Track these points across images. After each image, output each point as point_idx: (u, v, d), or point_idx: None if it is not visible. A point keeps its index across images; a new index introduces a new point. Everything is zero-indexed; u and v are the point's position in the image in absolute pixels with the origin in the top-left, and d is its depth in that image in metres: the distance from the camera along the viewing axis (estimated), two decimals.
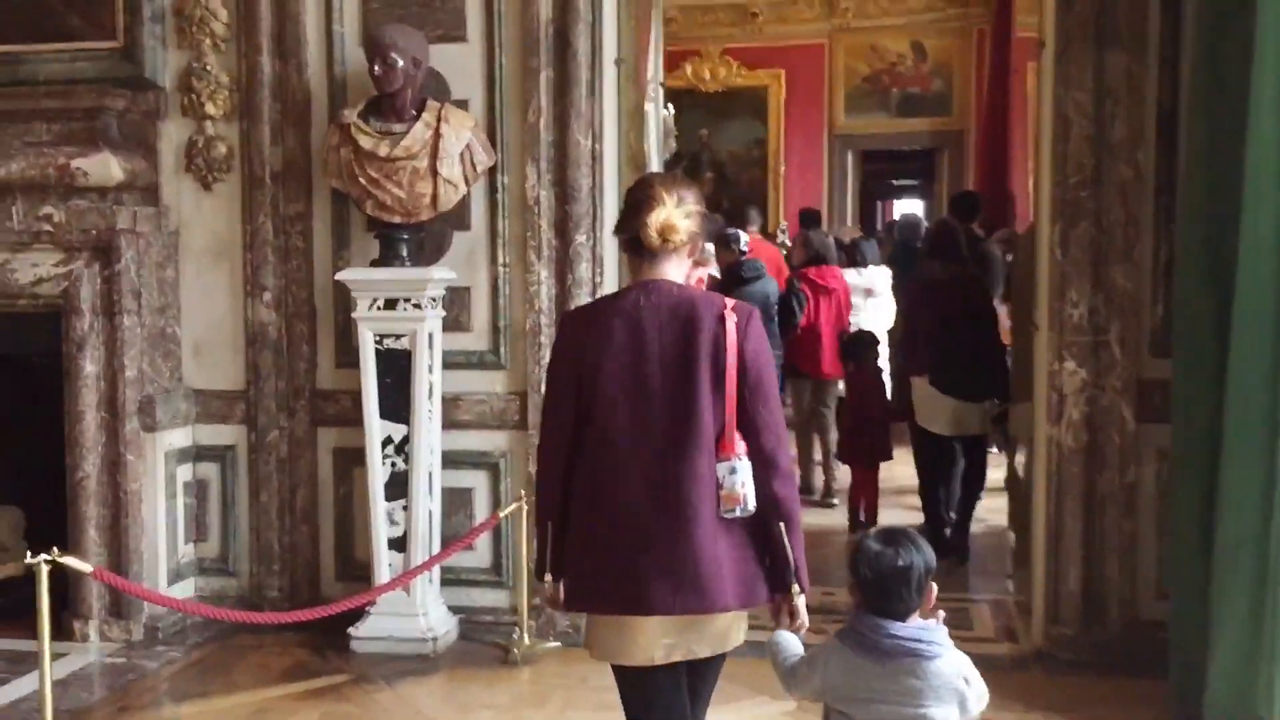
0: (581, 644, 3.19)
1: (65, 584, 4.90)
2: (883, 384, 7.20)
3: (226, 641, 5.14)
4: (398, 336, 4.91)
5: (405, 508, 4.94)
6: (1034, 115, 5.58)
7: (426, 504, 4.97)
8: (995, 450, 7.10)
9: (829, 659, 2.68)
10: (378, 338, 4.93)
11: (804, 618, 2.88)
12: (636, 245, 2.91)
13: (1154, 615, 4.60)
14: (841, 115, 12.79)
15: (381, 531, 4.96)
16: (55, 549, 3.54)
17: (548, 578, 2.97)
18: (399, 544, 4.95)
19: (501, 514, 4.91)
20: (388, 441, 4.95)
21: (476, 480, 5.22)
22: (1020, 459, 5.75)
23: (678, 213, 2.86)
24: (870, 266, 8.69)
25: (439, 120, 4.86)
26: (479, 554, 5.20)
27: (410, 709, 4.44)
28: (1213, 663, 3.78)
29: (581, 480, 2.88)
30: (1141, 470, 4.69)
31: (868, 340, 7.16)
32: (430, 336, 4.94)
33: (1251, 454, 3.66)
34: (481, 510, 5.19)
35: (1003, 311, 6.74)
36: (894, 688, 2.58)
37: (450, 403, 5.10)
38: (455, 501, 5.19)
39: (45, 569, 3.49)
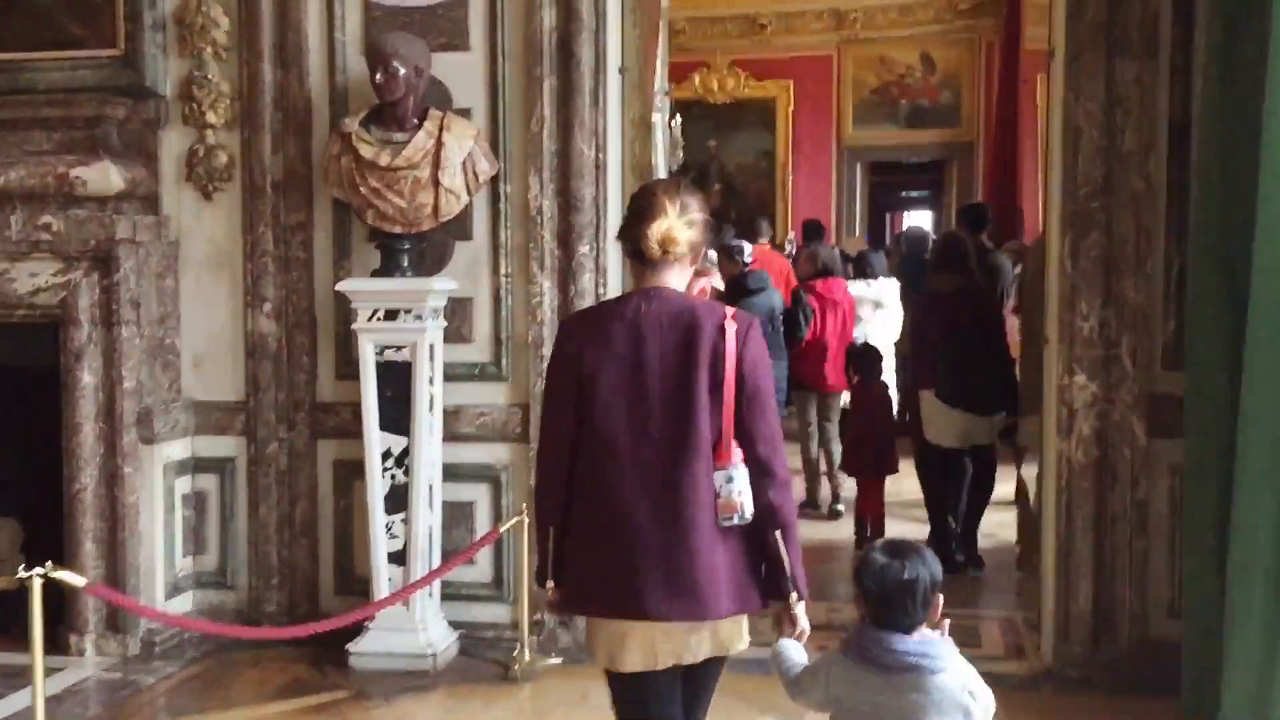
0: (583, 661, 3.14)
1: (61, 597, 4.84)
2: (888, 397, 7.20)
3: (224, 656, 5.08)
4: (398, 348, 4.87)
5: (405, 521, 4.88)
6: (1043, 125, 5.53)
7: (427, 517, 4.91)
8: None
9: (831, 671, 2.66)
10: (378, 349, 4.88)
11: (804, 625, 2.87)
12: (639, 253, 2.90)
13: (1165, 633, 4.53)
14: (850, 126, 12.80)
15: (381, 545, 4.90)
16: (50, 563, 3.50)
17: (549, 584, 2.95)
18: (399, 558, 4.89)
19: (502, 528, 4.85)
20: (388, 454, 4.89)
21: (477, 493, 5.16)
22: (1027, 472, 5.68)
23: (680, 222, 2.85)
24: (879, 278, 8.67)
25: (441, 129, 4.82)
26: (480, 568, 5.14)
27: None
28: (1226, 683, 3.72)
29: (580, 484, 2.87)
30: (1153, 486, 4.63)
31: (873, 354, 7.15)
32: (431, 348, 4.90)
33: (1266, 471, 3.60)
34: (482, 524, 5.13)
35: (1013, 324, 6.69)
36: (897, 702, 2.55)
37: (451, 415, 5.05)
38: (456, 515, 5.13)
39: (38, 584, 3.44)
